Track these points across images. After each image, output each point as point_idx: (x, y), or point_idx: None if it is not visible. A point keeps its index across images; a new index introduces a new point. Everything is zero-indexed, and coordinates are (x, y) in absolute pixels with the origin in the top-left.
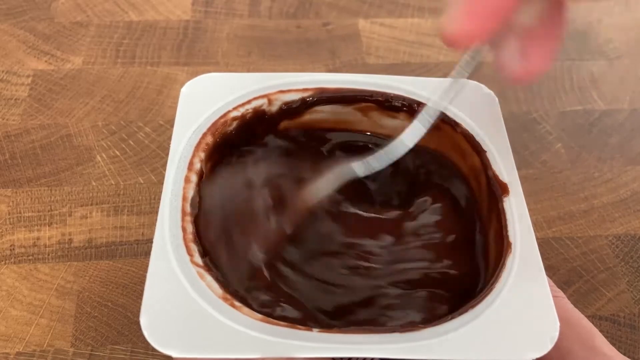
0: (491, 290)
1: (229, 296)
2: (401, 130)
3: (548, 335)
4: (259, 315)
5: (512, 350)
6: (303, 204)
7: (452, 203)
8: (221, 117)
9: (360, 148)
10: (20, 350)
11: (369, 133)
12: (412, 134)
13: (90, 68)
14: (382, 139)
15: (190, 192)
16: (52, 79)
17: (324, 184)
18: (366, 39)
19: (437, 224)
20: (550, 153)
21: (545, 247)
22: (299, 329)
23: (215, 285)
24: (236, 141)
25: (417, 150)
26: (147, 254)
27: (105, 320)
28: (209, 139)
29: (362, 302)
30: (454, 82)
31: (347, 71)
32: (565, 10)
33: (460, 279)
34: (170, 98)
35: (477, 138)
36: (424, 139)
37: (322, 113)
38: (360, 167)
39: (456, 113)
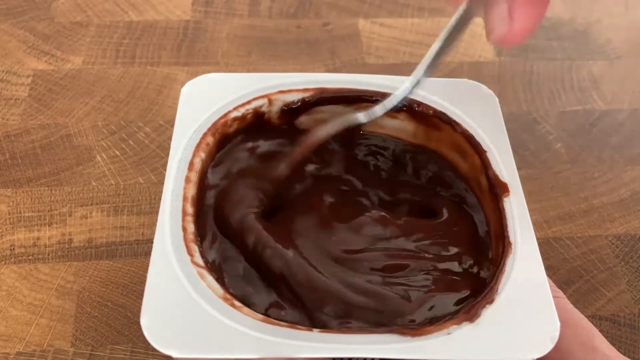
0: (491, 290)
1: (229, 296)
2: (401, 130)
3: (548, 335)
4: (260, 316)
5: (512, 350)
6: (304, 146)
7: (452, 203)
8: (221, 117)
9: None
10: (20, 350)
11: (369, 133)
12: (408, 87)
13: (90, 68)
14: (382, 139)
15: (191, 192)
16: (52, 79)
17: (325, 128)
18: (366, 39)
19: (437, 223)
20: (550, 153)
21: (545, 247)
22: (300, 329)
23: (215, 285)
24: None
25: (416, 151)
26: (147, 254)
27: (105, 320)
28: (210, 139)
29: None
30: (443, 44)
31: (347, 71)
32: None
33: (462, 277)
34: (170, 98)
35: (477, 138)
36: (424, 138)
37: (323, 113)
38: (363, 116)
39: (456, 113)
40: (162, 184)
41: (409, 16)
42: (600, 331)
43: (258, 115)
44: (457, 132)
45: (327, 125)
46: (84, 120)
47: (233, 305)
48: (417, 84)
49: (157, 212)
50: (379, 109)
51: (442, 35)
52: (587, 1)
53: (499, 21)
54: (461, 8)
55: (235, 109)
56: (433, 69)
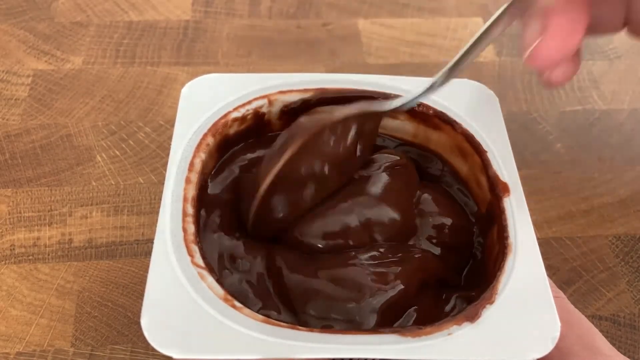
0: (492, 290)
1: (229, 297)
2: (401, 130)
3: (549, 336)
4: (260, 316)
5: (513, 351)
6: (321, 124)
7: (452, 202)
8: (221, 117)
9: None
10: (20, 350)
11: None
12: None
13: (90, 68)
14: (383, 139)
15: (191, 193)
16: (52, 79)
17: (343, 110)
18: (366, 39)
19: (436, 224)
20: (550, 153)
21: (545, 247)
22: (300, 329)
23: (216, 286)
24: (237, 141)
25: (416, 151)
26: (147, 254)
27: (105, 320)
28: (210, 140)
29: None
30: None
31: (347, 71)
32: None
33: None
34: (170, 98)
35: (477, 138)
36: (424, 138)
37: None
38: (381, 104)
39: (456, 113)
40: (162, 184)
41: (409, 16)
42: (600, 331)
43: (258, 115)
44: (457, 132)
45: (345, 108)
46: (84, 120)
47: (233, 306)
48: (441, 83)
49: (157, 212)
50: (398, 102)
51: (475, 37)
52: None
53: (531, 34)
54: (496, 14)
55: (235, 109)
56: (459, 69)
